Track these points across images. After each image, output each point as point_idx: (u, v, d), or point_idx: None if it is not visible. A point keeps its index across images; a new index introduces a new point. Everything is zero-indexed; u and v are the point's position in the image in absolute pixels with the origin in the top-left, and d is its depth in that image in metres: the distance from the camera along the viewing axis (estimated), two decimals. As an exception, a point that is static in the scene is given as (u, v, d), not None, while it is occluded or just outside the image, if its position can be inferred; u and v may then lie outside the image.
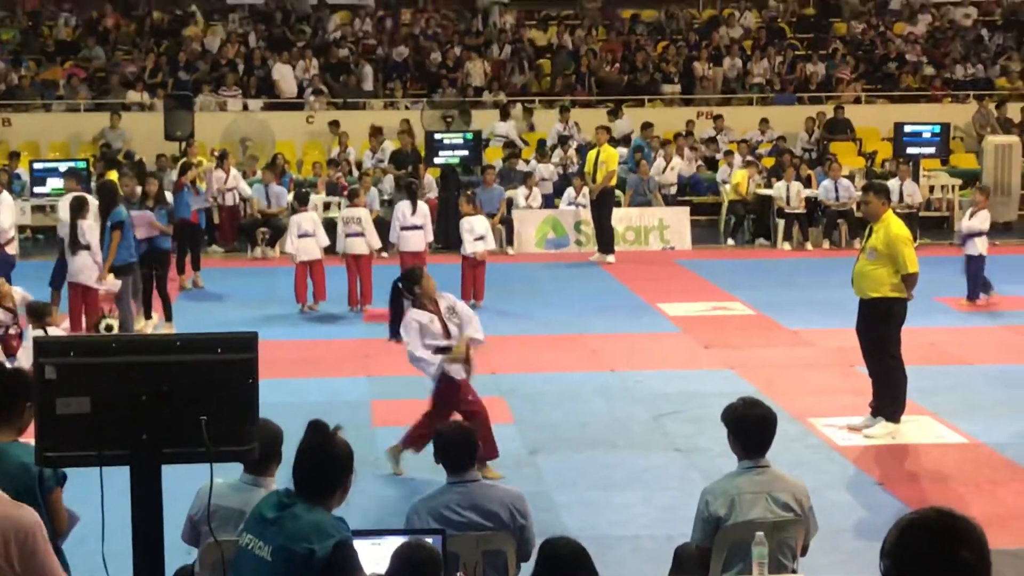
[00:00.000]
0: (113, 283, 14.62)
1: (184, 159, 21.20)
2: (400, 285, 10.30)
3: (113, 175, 17.35)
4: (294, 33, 29.27)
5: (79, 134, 25.77)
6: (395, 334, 10.32)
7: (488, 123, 25.71)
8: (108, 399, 4.62)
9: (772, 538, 6.12)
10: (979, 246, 16.86)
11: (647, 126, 25.49)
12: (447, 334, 10.06)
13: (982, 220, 17.03)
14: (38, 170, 20.77)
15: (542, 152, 24.53)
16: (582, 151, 24.40)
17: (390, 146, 24.74)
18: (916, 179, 22.62)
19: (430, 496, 6.51)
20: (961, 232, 17.33)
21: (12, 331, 13.21)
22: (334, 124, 25.52)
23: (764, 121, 26.84)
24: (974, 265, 16.89)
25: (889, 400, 11.34)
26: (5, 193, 16.14)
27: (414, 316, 10.06)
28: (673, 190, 23.98)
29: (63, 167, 19.84)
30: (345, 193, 21.47)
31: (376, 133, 25.03)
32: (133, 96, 26.80)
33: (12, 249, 15.53)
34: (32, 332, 12.93)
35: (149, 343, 5.11)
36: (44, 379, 4.64)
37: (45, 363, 4.65)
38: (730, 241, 22.79)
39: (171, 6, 30.00)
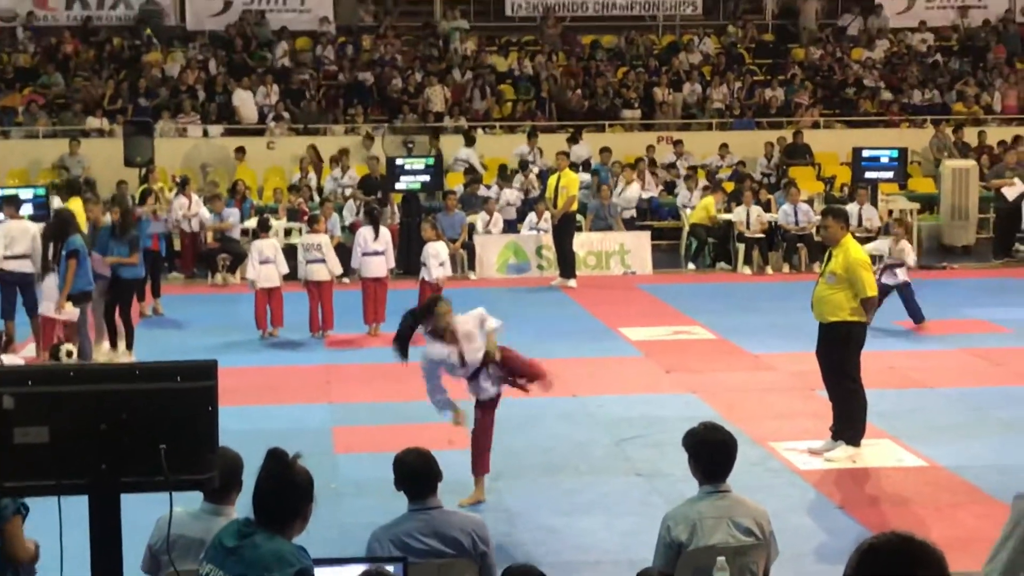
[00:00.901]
0: (71, 312, 14.50)
1: (144, 186, 21.15)
2: (415, 317, 10.19)
3: (76, 202, 17.23)
4: (254, 59, 29.23)
5: (38, 160, 25.63)
6: (404, 355, 10.26)
7: (448, 148, 25.74)
8: (67, 428, 4.59)
9: (734, 563, 6.14)
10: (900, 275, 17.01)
11: (605, 150, 25.59)
12: (464, 363, 10.03)
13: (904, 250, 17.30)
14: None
15: (503, 177, 24.57)
16: (543, 176, 24.48)
17: (355, 174, 24.73)
18: (875, 203, 22.78)
19: (391, 524, 6.48)
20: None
21: None
22: (313, 148, 25.50)
23: (724, 146, 27.00)
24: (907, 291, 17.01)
25: (849, 424, 11.40)
26: None
27: (431, 353, 10.02)
28: (627, 214, 24.00)
29: (24, 193, 19.69)
30: (305, 219, 21.44)
31: (342, 156, 25.01)
32: (92, 122, 26.69)
33: None
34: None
35: (108, 372, 5.08)
36: (2, 408, 4.61)
37: (3, 392, 4.61)
38: (691, 265, 22.88)
39: (130, 33, 29.89)
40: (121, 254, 15.43)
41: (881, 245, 17.70)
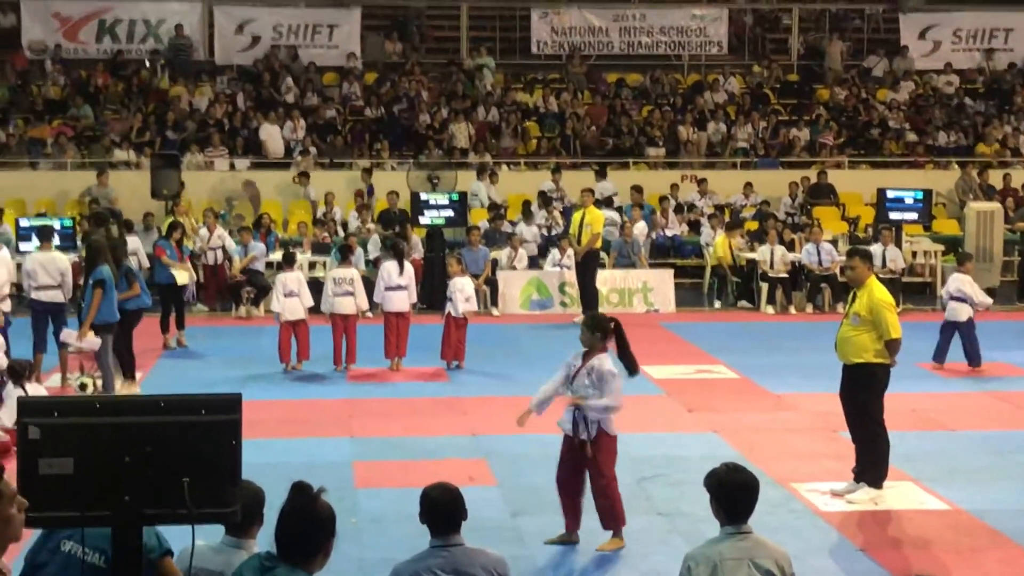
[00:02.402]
0: (92, 341, 14.54)
1: (171, 218, 21.30)
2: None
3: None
4: (281, 94, 29.42)
5: (66, 192, 25.81)
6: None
7: (472, 182, 25.85)
8: (91, 460, 4.62)
9: (754, 604, 6.10)
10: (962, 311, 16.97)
11: (636, 188, 25.62)
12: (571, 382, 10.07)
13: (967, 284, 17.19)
14: (24, 228, 20.77)
15: (526, 214, 24.64)
16: (567, 213, 24.54)
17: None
18: (899, 244, 22.75)
19: (412, 559, 6.47)
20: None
21: None
22: (368, 177, 25.59)
23: (748, 185, 27.02)
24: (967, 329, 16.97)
25: (872, 466, 11.36)
26: (3, 249, 16.12)
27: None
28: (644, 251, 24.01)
29: (40, 223, 19.86)
30: (328, 239, 21.80)
31: (364, 194, 25.13)
32: (120, 155, 26.88)
33: (6, 307, 15.48)
34: (13, 391, 12.92)
35: (133, 404, 5.10)
36: (27, 439, 4.65)
37: (29, 423, 4.65)
38: (717, 303, 22.84)
39: (158, 66, 30.13)
40: (122, 289, 15.40)
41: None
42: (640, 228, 24.36)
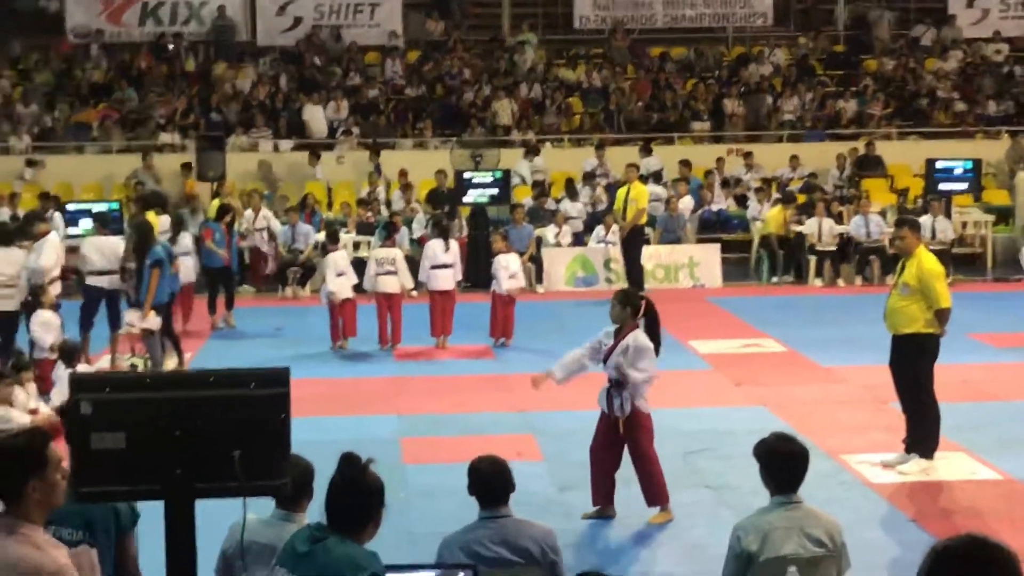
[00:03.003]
0: (154, 321, 14.72)
1: (217, 200, 21.40)
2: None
3: (151, 215, 17.50)
4: (324, 74, 29.47)
5: (112, 175, 25.97)
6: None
7: (516, 162, 25.80)
8: (143, 434, 4.66)
9: (805, 574, 6.08)
10: None
11: (684, 163, 25.50)
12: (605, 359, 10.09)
13: None
14: (71, 212, 20.92)
15: (570, 191, 24.58)
16: (611, 189, 24.47)
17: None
18: (948, 215, 22.55)
19: (462, 531, 6.50)
20: None
21: None
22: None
23: (794, 158, 26.83)
24: None
25: (922, 436, 11.28)
26: (53, 233, 16.28)
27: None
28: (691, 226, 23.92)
29: (97, 208, 20.04)
30: (371, 218, 21.82)
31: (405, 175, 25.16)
32: (165, 137, 27.02)
33: (56, 289, 15.65)
34: (64, 372, 13.07)
35: (183, 379, 5.16)
36: (80, 414, 4.69)
37: (81, 398, 4.69)
38: (775, 278, 22.66)
39: (202, 48, 30.28)
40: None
41: None
42: (686, 203, 24.26)
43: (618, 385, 9.99)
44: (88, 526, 5.89)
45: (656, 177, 25.18)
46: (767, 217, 23.27)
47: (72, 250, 18.31)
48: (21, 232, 16.24)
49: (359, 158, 26.48)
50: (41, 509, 4.76)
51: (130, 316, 14.79)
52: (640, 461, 10.04)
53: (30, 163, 25.77)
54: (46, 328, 14.31)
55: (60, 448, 4.92)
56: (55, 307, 15.40)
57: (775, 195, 24.44)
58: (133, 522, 6.06)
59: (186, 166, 25.02)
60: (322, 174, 25.97)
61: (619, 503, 10.41)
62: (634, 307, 10.04)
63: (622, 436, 10.05)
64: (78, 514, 5.75)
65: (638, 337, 10.00)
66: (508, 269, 17.05)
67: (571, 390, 14.48)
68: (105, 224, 16.55)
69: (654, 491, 10.06)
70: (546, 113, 28.62)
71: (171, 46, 29.74)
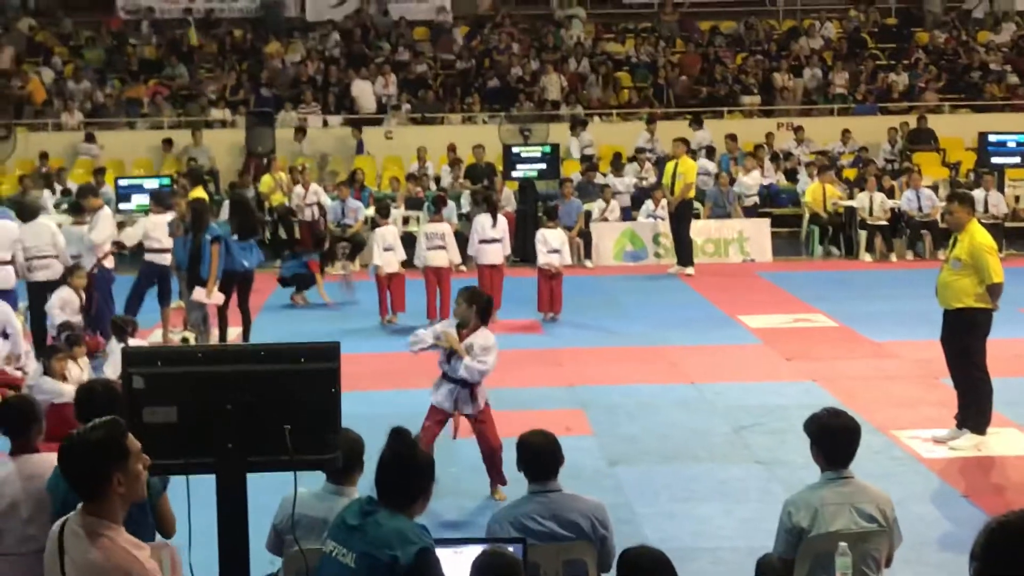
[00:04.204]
0: (218, 297, 14.82)
1: (269, 175, 21.51)
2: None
3: (199, 191, 17.59)
4: (373, 49, 29.50)
5: (163, 151, 26.13)
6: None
7: (565, 137, 25.75)
8: (194, 408, 4.71)
9: (856, 549, 6.06)
10: None
11: (731, 137, 25.36)
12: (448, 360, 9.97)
13: None
14: (123, 187, 21.08)
15: (617, 166, 24.51)
16: (660, 163, 24.37)
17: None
18: (1001, 189, 22.32)
19: (511, 505, 6.52)
20: None
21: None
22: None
23: (846, 132, 26.61)
24: None
25: (974, 412, 11.19)
26: (105, 208, 16.42)
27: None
28: (749, 201, 23.78)
29: (148, 184, 20.22)
30: (421, 194, 21.91)
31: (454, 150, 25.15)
32: (215, 113, 27.15)
33: (109, 263, 15.79)
34: (116, 347, 13.18)
35: (234, 353, 5.18)
36: (132, 388, 4.73)
37: (133, 373, 4.74)
38: (835, 251, 22.50)
39: (251, 24, 30.39)
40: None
41: None
42: (754, 177, 24.08)
43: (462, 383, 9.84)
44: None
45: (709, 152, 25.04)
46: (807, 192, 23.09)
47: (121, 224, 18.51)
48: (76, 207, 16.40)
49: (408, 133, 26.51)
50: (124, 504, 4.49)
51: (196, 294, 14.88)
52: (493, 452, 9.85)
53: (89, 138, 25.99)
54: (63, 305, 14.47)
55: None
56: (109, 281, 15.58)
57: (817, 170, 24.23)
58: (163, 487, 6.16)
59: (167, 142, 25.32)
60: (366, 149, 26.02)
61: (663, 480, 10.41)
62: (480, 306, 9.86)
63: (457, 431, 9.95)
64: None
65: (482, 336, 9.83)
66: (547, 244, 17.06)
67: (622, 365, 14.54)
68: (161, 203, 16.69)
69: (500, 473, 9.87)
70: (589, 85, 28.48)
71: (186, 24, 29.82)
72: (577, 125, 26.31)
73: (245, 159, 24.17)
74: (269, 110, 25.39)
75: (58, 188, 23.17)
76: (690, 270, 20.70)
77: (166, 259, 16.14)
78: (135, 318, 15.33)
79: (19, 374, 13.41)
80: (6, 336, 13.32)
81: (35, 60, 29.01)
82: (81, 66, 28.63)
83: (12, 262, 14.59)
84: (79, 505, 4.49)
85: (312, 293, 18.68)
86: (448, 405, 9.89)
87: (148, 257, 16.28)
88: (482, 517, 6.69)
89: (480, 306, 9.86)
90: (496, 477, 9.94)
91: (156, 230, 16.24)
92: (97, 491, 4.42)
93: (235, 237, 15.12)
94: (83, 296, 14.75)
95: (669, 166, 21.38)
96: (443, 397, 9.92)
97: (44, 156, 24.83)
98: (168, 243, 16.04)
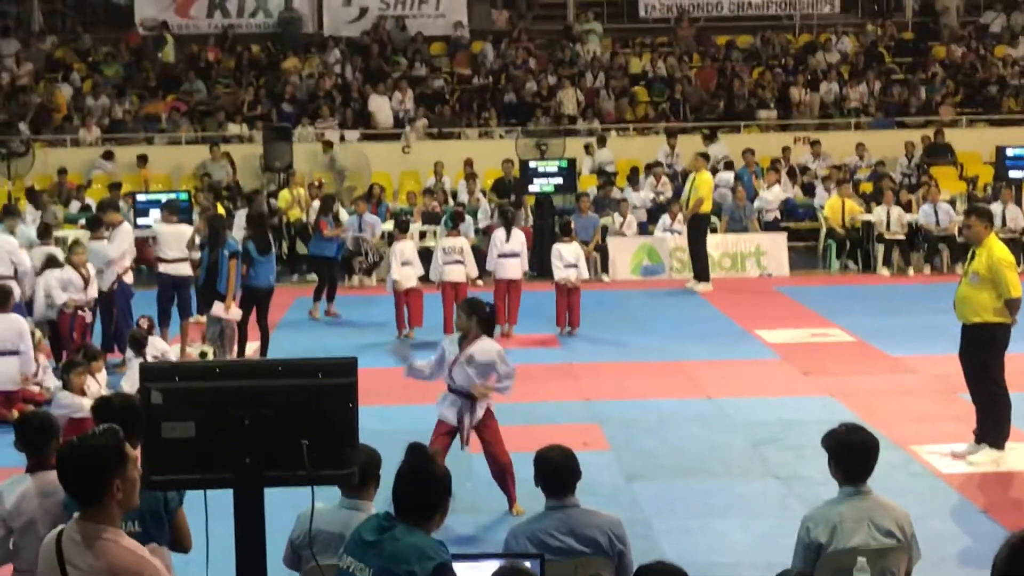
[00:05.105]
0: (236, 312, 14.84)
1: (287, 189, 21.59)
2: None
3: (218, 206, 17.70)
4: (390, 65, 29.57)
5: (180, 166, 26.22)
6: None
7: (582, 151, 25.76)
8: (212, 423, 4.71)
9: (874, 565, 6.03)
10: None
11: (748, 152, 25.35)
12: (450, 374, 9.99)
13: None
14: (140, 202, 21.16)
15: (634, 180, 24.51)
16: (675, 178, 24.40)
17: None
18: (1019, 203, 22.24)
19: (529, 520, 6.50)
20: None
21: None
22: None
23: (860, 146, 26.59)
24: None
25: (993, 427, 11.15)
26: (125, 223, 16.46)
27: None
28: (770, 215, 23.75)
29: (164, 199, 20.27)
30: (438, 209, 21.89)
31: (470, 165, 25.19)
32: (233, 128, 27.23)
33: (129, 279, 15.83)
34: (135, 360, 13.23)
35: (251, 368, 5.20)
36: (150, 403, 4.74)
37: (151, 387, 4.74)
38: (852, 265, 22.46)
39: (268, 40, 30.49)
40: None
41: None
42: (776, 192, 24.04)
43: (466, 396, 9.84)
44: (141, 516, 5.98)
45: (728, 165, 25.01)
46: (825, 206, 23.06)
47: (142, 240, 18.61)
48: (95, 222, 16.45)
49: (425, 148, 26.55)
50: (121, 509, 4.65)
51: (215, 308, 14.92)
52: (502, 470, 9.86)
53: (107, 156, 26.08)
54: (64, 284, 14.51)
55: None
56: (128, 296, 15.63)
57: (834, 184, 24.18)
58: (180, 501, 6.18)
59: (142, 158, 25.44)
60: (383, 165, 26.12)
61: (680, 495, 10.39)
62: (480, 317, 9.84)
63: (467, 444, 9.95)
64: None
65: (484, 346, 9.81)
66: (562, 259, 17.06)
67: (639, 379, 14.52)
68: (173, 212, 16.72)
69: (513, 489, 9.85)
70: (601, 100, 28.47)
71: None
72: (595, 142, 26.31)
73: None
74: (287, 125, 25.47)
75: (76, 204, 23.31)
76: (705, 286, 20.59)
77: (180, 268, 16.15)
78: (164, 334, 15.43)
79: (37, 389, 13.46)
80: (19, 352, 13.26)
81: (54, 76, 29.15)
82: (100, 82, 28.76)
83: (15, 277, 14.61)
84: (75, 514, 4.55)
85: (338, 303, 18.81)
86: (452, 417, 9.91)
87: (161, 268, 16.29)
88: (499, 532, 6.69)
89: (481, 316, 9.86)
90: (510, 493, 9.93)
91: (167, 240, 16.26)
92: (97, 497, 4.57)
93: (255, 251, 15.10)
94: (84, 273, 14.80)
95: (690, 181, 21.33)
96: (447, 409, 9.95)
97: (63, 172, 24.93)
98: (180, 253, 16.06)
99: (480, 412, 9.92)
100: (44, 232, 16.46)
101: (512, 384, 10.00)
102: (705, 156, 21.81)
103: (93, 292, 15.00)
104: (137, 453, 4.77)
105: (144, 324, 14.28)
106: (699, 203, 20.70)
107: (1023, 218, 22.02)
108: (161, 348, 13.96)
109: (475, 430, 9.97)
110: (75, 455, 4.63)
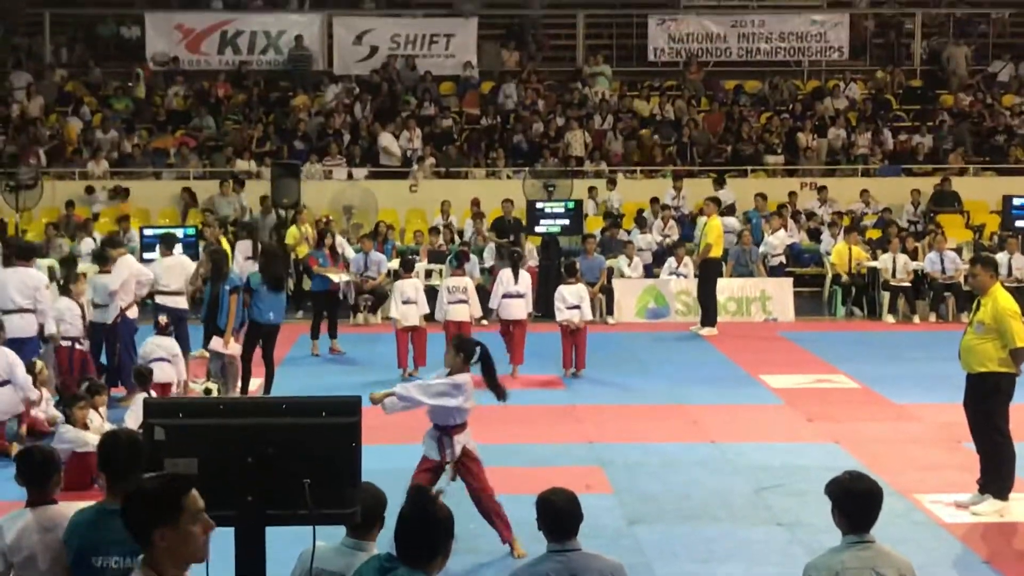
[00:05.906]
0: (235, 348, 14.82)
1: (295, 226, 21.64)
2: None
3: (225, 243, 17.74)
4: (399, 103, 29.69)
5: (188, 201, 26.26)
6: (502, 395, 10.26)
7: (587, 192, 25.84)
8: (215, 460, 4.70)
9: (877, 615, 5.99)
10: None
11: (760, 196, 25.39)
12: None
13: None
14: (148, 236, 21.18)
15: (640, 222, 24.54)
16: (682, 222, 24.44)
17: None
18: (1025, 253, 22.25)
19: (530, 563, 6.47)
20: None
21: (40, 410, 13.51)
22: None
23: (864, 192, 26.65)
24: None
25: (997, 477, 11.10)
26: (128, 256, 16.48)
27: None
28: (775, 260, 23.77)
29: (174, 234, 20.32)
30: (443, 247, 21.93)
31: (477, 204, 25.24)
32: (241, 165, 27.32)
33: (133, 313, 15.83)
34: (139, 396, 13.22)
35: (255, 406, 5.19)
36: (153, 439, 4.73)
37: (154, 423, 4.74)
38: (857, 312, 22.44)
39: (278, 77, 30.65)
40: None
41: None
42: (780, 237, 24.07)
43: (442, 430, 9.87)
44: (135, 551, 5.93)
45: (730, 210, 25.06)
46: (832, 252, 23.08)
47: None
48: (102, 256, 16.47)
49: (432, 186, 26.62)
50: (173, 560, 4.37)
51: (213, 343, 14.93)
52: (489, 513, 9.88)
53: (115, 192, 26.15)
54: (62, 314, 14.52)
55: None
56: (133, 331, 15.65)
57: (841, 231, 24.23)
58: None
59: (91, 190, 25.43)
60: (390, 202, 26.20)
61: (683, 540, 10.35)
62: (467, 353, 9.87)
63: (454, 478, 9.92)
64: (126, 540, 5.81)
65: (458, 379, 9.82)
66: (565, 300, 17.07)
67: (643, 423, 14.49)
68: (170, 246, 16.81)
69: (505, 524, 9.86)
70: (608, 141, 28.56)
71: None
72: (605, 185, 26.37)
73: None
74: (296, 162, 25.55)
75: (89, 242, 23.37)
76: (710, 330, 20.55)
77: (176, 302, 16.16)
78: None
79: (43, 415, 13.46)
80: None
81: (64, 109, 29.28)
82: (109, 116, 28.88)
83: (34, 311, 14.58)
84: (139, 557, 4.44)
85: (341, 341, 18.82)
86: (434, 453, 9.95)
87: (159, 300, 16.32)
88: (501, 574, 6.64)
89: (467, 352, 9.89)
90: (501, 533, 9.91)
91: (165, 274, 16.30)
92: (142, 541, 4.39)
93: (264, 287, 15.05)
94: (83, 306, 14.84)
95: (700, 226, 21.34)
96: (428, 445, 9.99)
97: (70, 204, 25.00)
98: (178, 286, 16.09)
99: (458, 448, 9.90)
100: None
101: (408, 406, 9.85)
102: (716, 201, 21.86)
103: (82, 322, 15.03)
104: (201, 505, 4.51)
105: (163, 322, 14.46)
106: (706, 249, 20.69)
107: (1029, 268, 22.02)
108: (215, 346, 14.49)
109: (457, 471, 9.94)
110: (132, 495, 4.44)
